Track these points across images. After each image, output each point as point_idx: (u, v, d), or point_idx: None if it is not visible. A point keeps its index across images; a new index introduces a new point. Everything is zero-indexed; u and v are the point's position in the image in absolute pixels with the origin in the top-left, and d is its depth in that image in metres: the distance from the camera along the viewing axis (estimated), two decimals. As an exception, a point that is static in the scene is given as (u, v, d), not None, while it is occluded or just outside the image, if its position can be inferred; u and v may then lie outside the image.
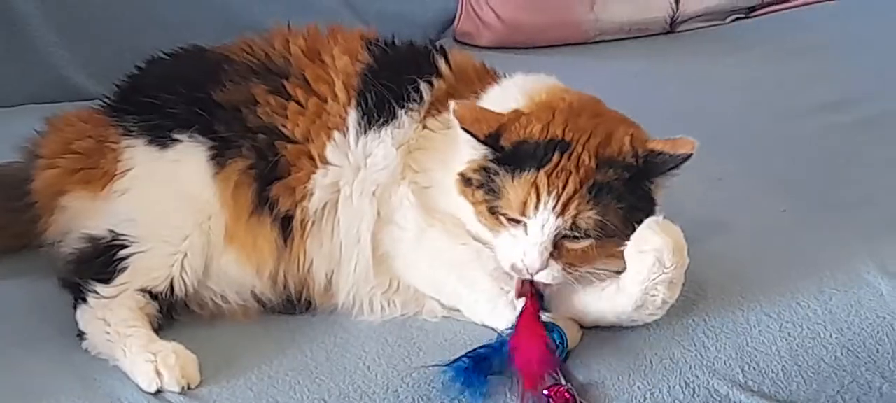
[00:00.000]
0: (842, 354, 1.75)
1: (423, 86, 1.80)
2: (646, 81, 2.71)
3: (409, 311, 1.77)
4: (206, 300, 1.77)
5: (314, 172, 1.76)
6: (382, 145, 1.77)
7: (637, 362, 1.68)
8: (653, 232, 1.61)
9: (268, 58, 1.84)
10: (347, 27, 1.91)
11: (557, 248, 1.63)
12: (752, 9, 3.20)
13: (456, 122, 1.67)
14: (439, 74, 1.83)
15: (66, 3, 2.64)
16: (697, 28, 3.13)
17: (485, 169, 1.66)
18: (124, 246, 1.73)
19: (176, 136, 1.78)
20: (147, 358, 1.63)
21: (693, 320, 1.73)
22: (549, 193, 1.61)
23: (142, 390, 1.62)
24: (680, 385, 1.68)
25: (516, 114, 1.69)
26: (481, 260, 1.70)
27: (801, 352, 1.73)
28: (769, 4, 3.21)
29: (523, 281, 1.66)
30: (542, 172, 1.62)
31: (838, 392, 1.74)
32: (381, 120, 1.78)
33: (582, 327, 1.70)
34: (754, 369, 1.71)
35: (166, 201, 1.77)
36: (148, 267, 1.73)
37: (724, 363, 1.70)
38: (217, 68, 1.83)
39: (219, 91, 1.79)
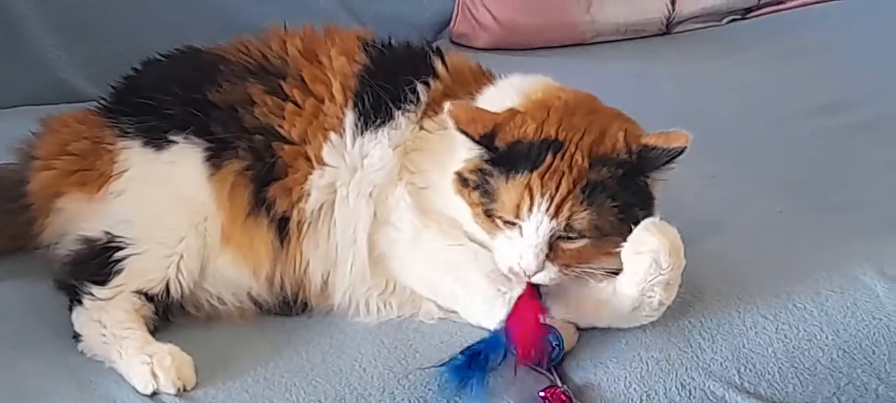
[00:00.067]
0: (838, 356, 1.74)
1: (420, 88, 1.80)
2: (642, 83, 2.71)
3: (405, 313, 1.77)
4: (203, 301, 1.77)
5: (311, 173, 1.76)
6: (379, 146, 1.77)
7: (633, 364, 1.68)
8: (649, 233, 1.61)
9: (264, 58, 1.84)
10: (344, 28, 1.91)
11: (553, 249, 1.63)
12: (749, 10, 3.20)
13: (451, 123, 1.67)
14: (436, 75, 1.83)
15: (63, 4, 2.63)
16: (694, 29, 3.13)
17: (480, 170, 1.66)
18: (120, 248, 1.73)
19: (172, 138, 1.78)
20: (143, 360, 1.63)
21: (689, 321, 1.73)
22: (542, 195, 1.61)
23: (138, 392, 1.62)
24: (676, 386, 1.68)
25: (511, 114, 1.69)
26: (478, 261, 1.70)
27: (797, 354, 1.73)
28: (765, 6, 3.21)
29: None
30: (535, 174, 1.62)
31: (834, 393, 1.74)
32: (378, 121, 1.78)
33: (578, 329, 1.70)
34: (750, 371, 1.71)
35: (162, 203, 1.77)
36: (144, 268, 1.73)
37: (721, 364, 1.70)
38: (213, 69, 1.83)
39: (215, 92, 1.79)
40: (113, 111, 1.85)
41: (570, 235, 1.62)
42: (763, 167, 2.25)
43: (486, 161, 1.66)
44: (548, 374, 1.65)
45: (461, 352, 1.63)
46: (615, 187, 1.62)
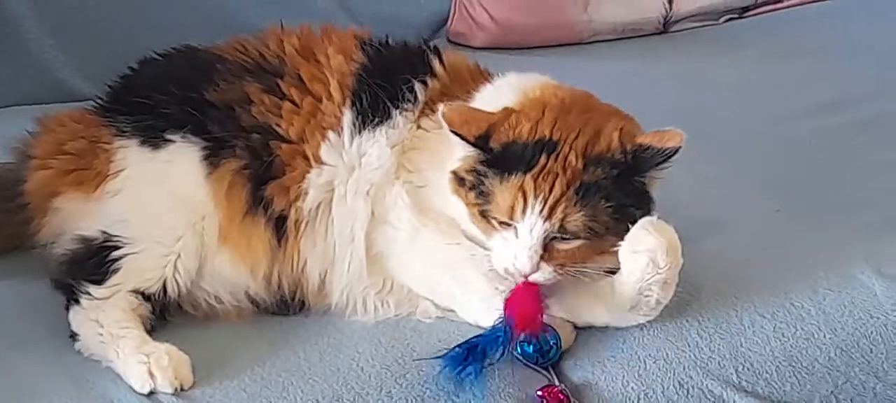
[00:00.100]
0: (836, 354, 1.74)
1: (418, 86, 1.80)
2: (639, 82, 2.71)
3: (402, 312, 1.77)
4: (200, 301, 1.77)
5: (308, 172, 1.76)
6: (377, 145, 1.77)
7: (631, 362, 1.68)
8: (647, 232, 1.61)
9: (262, 57, 1.84)
10: (341, 28, 1.91)
11: (548, 250, 1.63)
12: (746, 9, 3.20)
13: (445, 125, 1.67)
14: (433, 74, 1.83)
15: (60, 4, 2.63)
16: (691, 28, 3.13)
17: (476, 170, 1.66)
18: (117, 247, 1.73)
19: (168, 137, 1.78)
20: (140, 360, 1.63)
21: (687, 320, 1.73)
22: (535, 197, 1.61)
23: (135, 391, 1.62)
24: (674, 385, 1.68)
25: (506, 113, 1.69)
26: (475, 260, 1.70)
27: (794, 353, 1.73)
28: (763, 5, 3.21)
29: None
30: (528, 176, 1.62)
31: (832, 392, 1.73)
32: (376, 120, 1.78)
33: (576, 327, 1.70)
34: (748, 369, 1.71)
35: (159, 202, 1.76)
36: (141, 268, 1.73)
37: (718, 363, 1.70)
38: (210, 68, 1.82)
39: (212, 90, 1.79)
40: (110, 110, 1.85)
41: (565, 236, 1.62)
42: (761, 166, 2.25)
43: (481, 162, 1.66)
44: (545, 373, 1.65)
45: (459, 345, 1.63)
46: (609, 188, 1.62)
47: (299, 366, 1.66)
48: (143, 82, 1.86)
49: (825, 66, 2.78)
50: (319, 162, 1.76)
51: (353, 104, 1.78)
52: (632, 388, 1.67)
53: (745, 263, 1.86)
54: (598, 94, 1.79)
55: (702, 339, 1.72)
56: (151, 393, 1.61)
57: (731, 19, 3.17)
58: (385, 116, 1.78)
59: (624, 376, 1.67)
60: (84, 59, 2.62)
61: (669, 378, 1.68)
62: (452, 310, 1.74)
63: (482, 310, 1.69)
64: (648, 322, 1.68)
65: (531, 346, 1.63)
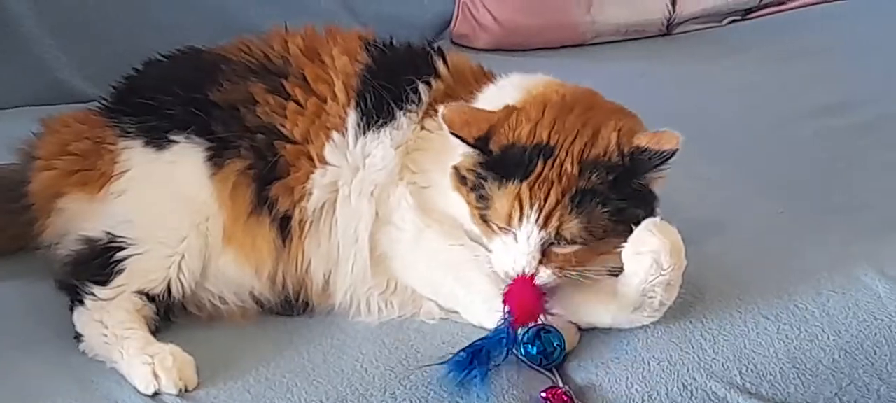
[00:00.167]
0: (839, 356, 1.74)
1: (422, 88, 1.80)
2: (642, 83, 2.71)
3: (406, 312, 1.77)
4: (205, 301, 1.77)
5: (313, 172, 1.76)
6: (381, 146, 1.77)
7: (635, 364, 1.68)
8: (650, 233, 1.61)
9: (266, 57, 1.84)
10: (345, 29, 1.91)
11: (546, 255, 1.63)
12: (749, 11, 3.20)
13: (445, 127, 1.67)
14: (437, 75, 1.83)
15: (62, 5, 2.63)
16: (694, 30, 3.13)
17: (476, 171, 1.66)
18: (121, 248, 1.73)
19: (173, 137, 1.78)
20: (144, 361, 1.63)
21: (691, 322, 1.73)
22: (531, 206, 1.61)
23: (139, 392, 1.61)
24: (678, 387, 1.68)
25: (507, 112, 1.69)
26: (478, 261, 1.70)
27: (798, 354, 1.73)
28: (766, 7, 3.22)
29: None
30: (524, 184, 1.62)
31: (836, 394, 1.73)
32: (380, 121, 1.78)
33: (579, 329, 1.70)
34: (752, 371, 1.71)
35: (163, 202, 1.76)
36: (145, 269, 1.73)
37: (722, 365, 1.70)
38: (214, 69, 1.83)
39: (216, 91, 1.79)
40: (114, 111, 1.85)
41: (562, 242, 1.62)
42: (764, 168, 2.25)
43: (481, 164, 1.66)
44: (549, 374, 1.65)
45: (463, 349, 1.63)
46: (606, 192, 1.62)
47: (303, 367, 1.66)
48: (148, 83, 1.86)
49: (828, 68, 2.78)
50: (324, 162, 1.76)
51: (358, 105, 1.78)
52: (635, 390, 1.67)
53: (748, 264, 1.86)
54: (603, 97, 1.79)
55: (705, 341, 1.72)
56: (156, 394, 1.61)
57: (734, 21, 3.18)
58: (389, 117, 1.78)
59: (628, 377, 1.67)
60: (85, 60, 2.62)
61: (673, 380, 1.68)
62: (456, 311, 1.74)
63: (485, 311, 1.69)
64: (652, 323, 1.68)
65: (535, 348, 1.63)
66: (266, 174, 1.76)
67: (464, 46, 2.96)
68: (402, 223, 1.75)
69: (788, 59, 2.86)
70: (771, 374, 1.71)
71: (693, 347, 1.71)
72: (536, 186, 1.62)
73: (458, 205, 1.71)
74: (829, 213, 2.04)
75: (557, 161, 1.62)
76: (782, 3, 3.23)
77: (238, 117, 1.78)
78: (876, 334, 1.76)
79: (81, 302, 1.71)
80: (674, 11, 3.08)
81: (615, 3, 3.03)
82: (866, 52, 2.86)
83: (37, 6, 2.60)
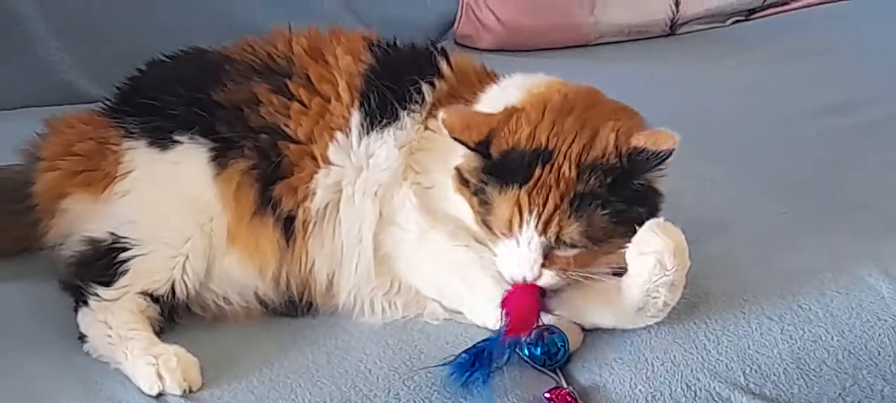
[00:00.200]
0: (843, 357, 1.74)
1: (425, 88, 1.80)
2: (646, 84, 2.71)
3: (410, 313, 1.77)
4: (209, 302, 1.77)
5: (316, 172, 1.76)
6: (385, 146, 1.77)
7: (638, 365, 1.68)
8: (654, 234, 1.61)
9: (270, 57, 1.84)
10: (348, 29, 1.91)
11: (549, 258, 1.63)
12: (752, 11, 3.20)
13: (445, 131, 1.67)
14: (441, 76, 1.83)
15: (67, 6, 2.64)
16: (698, 30, 3.13)
17: (478, 174, 1.67)
18: (125, 249, 1.73)
19: (177, 138, 1.78)
20: (148, 361, 1.63)
21: (694, 322, 1.73)
22: (530, 212, 1.62)
23: (143, 393, 1.62)
24: (681, 387, 1.68)
25: (507, 115, 1.69)
26: (483, 262, 1.70)
27: (802, 355, 1.73)
28: (769, 7, 3.22)
29: None
30: (523, 190, 1.62)
31: (840, 394, 1.73)
32: (384, 121, 1.78)
33: (583, 329, 1.70)
34: (756, 371, 1.71)
35: (167, 203, 1.77)
36: (149, 269, 1.73)
37: (726, 365, 1.70)
38: (218, 69, 1.83)
39: (220, 91, 1.79)
40: (118, 112, 1.85)
41: (563, 246, 1.63)
42: (768, 168, 2.25)
43: (482, 168, 1.66)
44: (553, 375, 1.65)
45: (466, 351, 1.63)
46: (605, 195, 1.62)
47: (307, 368, 1.66)
48: (151, 84, 1.86)
49: (832, 68, 2.78)
50: (327, 162, 1.76)
51: (362, 105, 1.78)
52: (639, 390, 1.67)
53: (752, 265, 1.85)
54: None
55: (709, 341, 1.72)
56: (160, 395, 1.61)
57: (737, 21, 3.18)
58: (393, 117, 1.78)
59: (631, 378, 1.67)
60: (89, 61, 2.63)
61: (677, 380, 1.68)
62: (460, 312, 1.74)
63: (490, 312, 1.69)
64: (656, 324, 1.68)
65: (539, 348, 1.64)
66: (270, 174, 1.76)
67: (467, 47, 2.96)
68: (405, 223, 1.75)
69: (792, 59, 2.86)
70: (775, 375, 1.71)
71: (697, 347, 1.71)
72: (535, 192, 1.62)
73: (461, 206, 1.71)
74: (833, 213, 2.04)
75: (556, 165, 1.63)
76: (786, 4, 3.23)
77: (242, 117, 1.78)
78: (880, 335, 1.76)
79: (85, 303, 1.71)
80: (677, 12, 3.08)
81: (618, 3, 3.04)
82: (870, 53, 2.86)
83: (42, 7, 2.61)
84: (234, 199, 1.75)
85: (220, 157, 1.76)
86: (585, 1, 3.02)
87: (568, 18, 3.02)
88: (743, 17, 3.19)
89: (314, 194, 1.76)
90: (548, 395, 1.62)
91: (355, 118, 1.78)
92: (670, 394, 1.67)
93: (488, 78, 1.87)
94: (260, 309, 1.78)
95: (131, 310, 1.70)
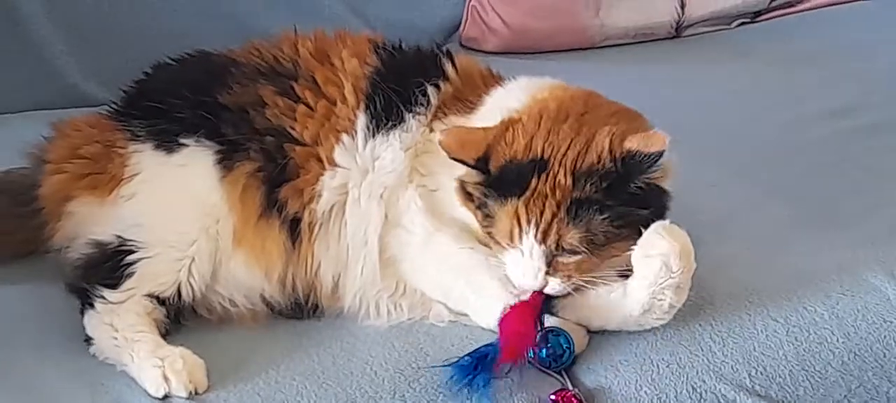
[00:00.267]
0: (849, 359, 1.74)
1: (430, 90, 1.81)
2: (651, 86, 2.71)
3: (415, 315, 1.77)
4: (215, 304, 1.77)
5: (322, 174, 1.76)
6: (390, 148, 1.77)
7: (644, 367, 1.68)
8: (659, 236, 1.61)
9: (276, 60, 1.84)
10: (354, 32, 1.91)
11: (552, 265, 1.64)
12: (758, 14, 3.20)
13: (444, 153, 1.67)
14: (446, 78, 1.83)
15: (74, 10, 2.64)
16: (703, 33, 3.13)
17: (480, 189, 1.67)
18: (131, 252, 1.74)
19: (183, 140, 1.78)
20: (155, 364, 1.63)
21: (700, 325, 1.73)
22: (528, 222, 1.62)
23: (149, 395, 1.62)
24: (687, 389, 1.68)
25: (503, 128, 1.69)
26: (488, 264, 1.70)
27: (808, 357, 1.73)
28: (775, 9, 3.21)
29: None
30: (521, 201, 1.63)
31: (845, 396, 1.73)
32: (389, 123, 1.78)
33: (588, 331, 1.70)
34: (761, 374, 1.70)
35: (173, 206, 1.77)
36: (155, 272, 1.73)
37: (732, 367, 1.70)
38: (224, 72, 1.83)
39: (226, 94, 1.80)
40: (124, 115, 1.86)
41: (565, 253, 1.63)
42: (773, 170, 2.25)
43: (483, 183, 1.67)
44: (558, 377, 1.65)
45: (468, 354, 1.63)
46: (602, 200, 1.62)
47: (313, 370, 1.67)
48: (157, 86, 1.87)
49: (838, 71, 2.78)
50: (333, 164, 1.77)
51: (367, 107, 1.79)
52: (645, 392, 1.67)
53: (757, 267, 1.85)
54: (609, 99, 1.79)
55: (715, 343, 1.72)
56: (166, 397, 1.61)
57: (743, 24, 3.18)
58: (398, 120, 1.78)
59: (637, 380, 1.67)
60: (97, 65, 2.63)
61: (682, 383, 1.68)
62: (465, 314, 1.75)
63: (495, 315, 1.69)
64: (661, 326, 1.68)
65: (544, 350, 1.64)
66: (276, 176, 1.76)
67: (473, 49, 2.96)
68: (411, 226, 1.76)
69: (798, 61, 2.86)
70: (780, 377, 1.71)
71: (702, 349, 1.71)
72: (532, 202, 1.63)
73: (466, 211, 1.72)
74: (839, 216, 2.04)
75: (551, 174, 1.63)
76: (791, 6, 3.23)
77: (248, 120, 1.78)
78: (885, 337, 1.76)
79: (92, 306, 1.72)
80: (683, 14, 3.08)
81: (624, 6, 3.03)
82: (876, 55, 2.86)
83: (48, 10, 2.61)
84: (240, 202, 1.76)
85: (226, 160, 1.76)
86: (591, 3, 3.02)
87: (573, 21, 3.02)
88: (748, 20, 3.19)
89: (320, 196, 1.76)
90: (553, 397, 1.62)
91: (361, 120, 1.78)
92: (675, 396, 1.67)
93: (493, 80, 1.87)
94: (266, 312, 1.79)
95: (137, 313, 1.70)
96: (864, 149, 2.32)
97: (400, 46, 1.89)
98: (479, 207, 1.68)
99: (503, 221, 1.65)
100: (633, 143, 1.63)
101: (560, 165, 1.63)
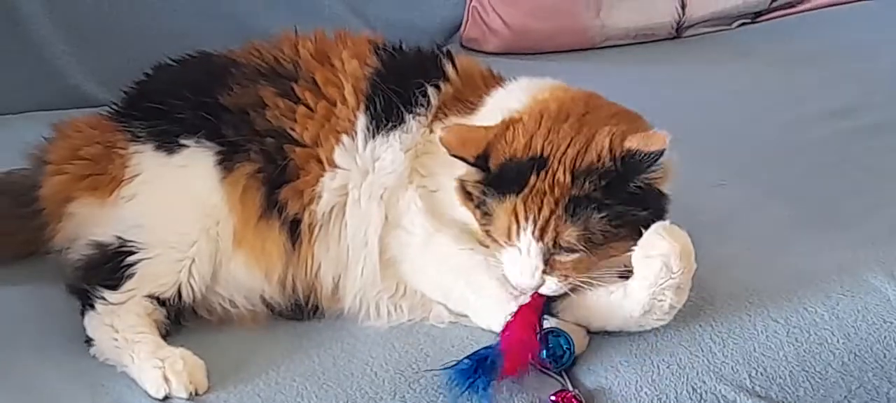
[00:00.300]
0: (849, 359, 1.74)
1: (431, 91, 1.81)
2: (652, 87, 2.71)
3: (415, 316, 1.77)
4: (215, 305, 1.77)
5: (322, 175, 1.76)
6: (390, 150, 1.77)
7: (644, 367, 1.68)
8: (660, 237, 1.61)
9: (276, 61, 1.84)
10: (355, 33, 1.91)
11: (550, 264, 1.64)
12: (759, 14, 3.20)
13: (444, 150, 1.67)
14: (446, 78, 1.83)
15: (75, 10, 2.64)
16: (704, 33, 3.13)
17: (479, 188, 1.67)
18: (132, 253, 1.74)
19: (183, 141, 1.78)
20: (155, 364, 1.63)
21: (700, 325, 1.73)
22: (526, 219, 1.62)
23: (150, 396, 1.62)
24: (687, 390, 1.68)
25: (504, 127, 1.69)
26: (488, 265, 1.70)
27: (808, 358, 1.73)
28: (775, 10, 3.22)
29: None
30: (519, 198, 1.63)
31: (845, 397, 1.73)
32: (390, 124, 1.78)
33: (589, 332, 1.70)
34: (762, 374, 1.71)
35: (174, 207, 1.77)
36: (155, 273, 1.73)
37: (732, 368, 1.70)
38: (224, 73, 1.83)
39: (226, 95, 1.80)
40: (125, 115, 1.86)
41: (562, 251, 1.63)
42: (774, 171, 2.25)
43: (482, 181, 1.67)
44: (558, 378, 1.65)
45: (468, 357, 1.63)
46: (601, 198, 1.62)
47: (313, 371, 1.67)
48: (158, 87, 1.87)
49: (838, 71, 2.78)
50: (333, 165, 1.77)
51: (367, 108, 1.79)
52: (645, 393, 1.67)
53: (757, 268, 1.86)
54: (610, 100, 1.79)
55: (715, 344, 1.72)
56: (166, 398, 1.61)
57: (744, 24, 3.18)
58: (398, 121, 1.78)
59: (637, 381, 1.67)
60: (98, 65, 2.63)
61: (683, 383, 1.68)
62: (465, 315, 1.75)
63: (495, 315, 1.69)
64: (661, 327, 1.68)
65: (544, 351, 1.64)
66: (276, 177, 1.76)
67: (474, 50, 2.96)
68: (411, 227, 1.76)
69: (798, 62, 2.86)
70: (780, 377, 1.71)
71: (702, 350, 1.71)
72: (530, 199, 1.63)
73: (466, 211, 1.72)
74: (839, 217, 2.04)
75: (550, 171, 1.63)
76: (792, 6, 3.23)
77: (248, 121, 1.78)
78: (885, 337, 1.76)
79: (92, 307, 1.72)
80: (683, 15, 3.08)
81: (625, 6, 3.04)
82: (876, 56, 2.86)
83: (51, 12, 2.61)
84: (241, 203, 1.76)
85: (227, 161, 1.76)
86: (591, 4, 3.02)
87: (574, 22, 3.02)
88: (749, 20, 3.19)
89: (320, 197, 1.76)
90: (553, 398, 1.63)
91: (361, 121, 1.78)
92: (676, 397, 1.67)
93: (494, 81, 1.87)
94: (266, 313, 1.79)
95: (138, 314, 1.70)
96: (864, 150, 2.33)
97: (400, 47, 1.89)
98: (477, 206, 1.68)
99: (501, 218, 1.64)
100: (633, 143, 1.63)
101: (559, 163, 1.63)
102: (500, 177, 1.65)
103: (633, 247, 1.62)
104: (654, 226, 1.62)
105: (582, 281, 1.65)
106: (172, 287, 1.73)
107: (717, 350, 1.71)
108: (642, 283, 1.62)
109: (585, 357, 1.68)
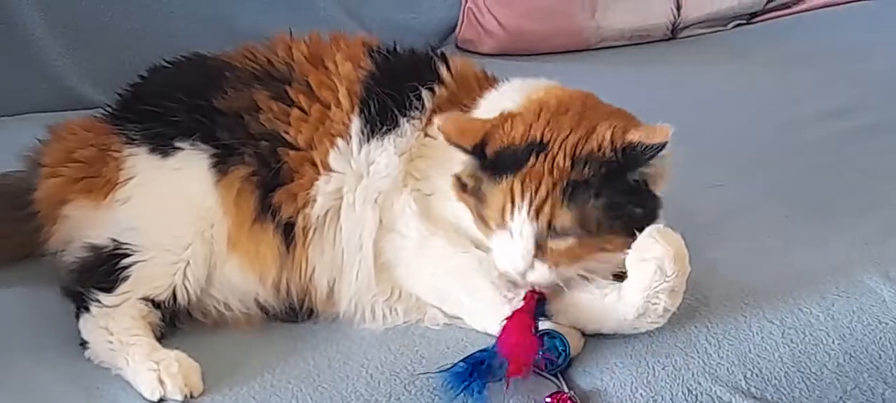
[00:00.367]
0: (844, 360, 1.74)
1: (425, 94, 1.80)
2: (647, 88, 2.71)
3: (411, 319, 1.77)
4: (210, 308, 1.77)
5: (317, 179, 1.76)
6: (385, 153, 1.77)
7: (639, 369, 1.68)
8: (654, 240, 1.61)
9: (270, 64, 1.84)
10: (349, 35, 1.91)
11: (542, 249, 1.63)
12: (754, 15, 3.20)
13: (442, 137, 1.67)
14: (441, 81, 1.83)
15: (70, 13, 2.64)
16: (699, 34, 3.13)
17: (475, 176, 1.67)
18: (126, 255, 1.74)
19: (177, 144, 1.78)
20: (150, 367, 1.63)
21: (695, 327, 1.73)
22: (522, 198, 1.61)
23: (145, 399, 1.62)
24: (682, 392, 1.68)
25: (502, 118, 1.69)
26: (483, 267, 1.70)
27: (803, 359, 1.73)
28: (770, 11, 3.22)
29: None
30: (516, 177, 1.62)
31: (841, 398, 1.74)
32: (384, 127, 1.78)
33: (584, 334, 1.70)
34: (757, 375, 1.71)
35: (168, 209, 1.77)
36: (150, 275, 1.73)
37: (727, 369, 1.70)
38: (219, 75, 1.83)
39: (220, 98, 1.80)
40: (119, 118, 1.86)
41: (556, 235, 1.62)
42: (769, 172, 2.25)
43: (479, 168, 1.67)
44: (554, 380, 1.65)
45: (463, 359, 1.63)
46: (599, 185, 1.61)
47: (308, 373, 1.67)
48: (153, 90, 1.87)
49: (834, 72, 2.78)
50: (328, 169, 1.77)
51: (362, 111, 1.79)
52: (640, 395, 1.67)
53: (753, 269, 1.86)
54: (606, 100, 1.79)
55: (710, 345, 1.72)
56: (161, 401, 1.61)
57: (739, 25, 3.18)
58: (393, 124, 1.78)
59: (632, 382, 1.67)
60: (93, 67, 2.63)
61: (678, 385, 1.68)
62: (461, 318, 1.74)
63: (490, 318, 1.69)
64: (657, 328, 1.68)
65: (540, 353, 1.63)
66: (270, 181, 1.76)
67: (469, 52, 2.96)
68: (406, 230, 1.75)
69: (793, 62, 2.86)
70: (776, 379, 1.71)
71: (698, 352, 1.71)
72: (528, 179, 1.62)
73: (461, 212, 1.72)
74: (834, 217, 2.04)
75: (550, 155, 1.63)
76: (787, 7, 3.23)
77: (242, 124, 1.78)
78: (881, 338, 1.76)
79: (87, 309, 1.72)
80: (678, 16, 3.08)
81: (620, 8, 3.04)
82: (872, 56, 2.86)
83: (47, 14, 2.61)
84: (235, 206, 1.76)
85: (221, 164, 1.76)
86: (587, 5, 3.02)
87: (569, 23, 3.02)
88: (744, 21, 3.19)
89: (314, 201, 1.76)
90: (549, 400, 1.63)
91: (355, 124, 1.78)
92: (671, 398, 1.67)
93: (488, 83, 1.87)
94: (261, 316, 1.79)
95: (132, 316, 1.70)
96: (860, 151, 2.33)
97: (394, 49, 1.88)
98: (472, 194, 1.67)
99: (496, 197, 1.64)
100: (635, 136, 1.63)
101: (560, 148, 1.63)
102: (496, 162, 1.65)
103: (626, 247, 1.62)
104: (648, 229, 1.61)
105: (571, 273, 1.64)
106: (167, 289, 1.73)
107: (713, 352, 1.71)
108: (636, 287, 1.62)
109: (581, 358, 1.69)
